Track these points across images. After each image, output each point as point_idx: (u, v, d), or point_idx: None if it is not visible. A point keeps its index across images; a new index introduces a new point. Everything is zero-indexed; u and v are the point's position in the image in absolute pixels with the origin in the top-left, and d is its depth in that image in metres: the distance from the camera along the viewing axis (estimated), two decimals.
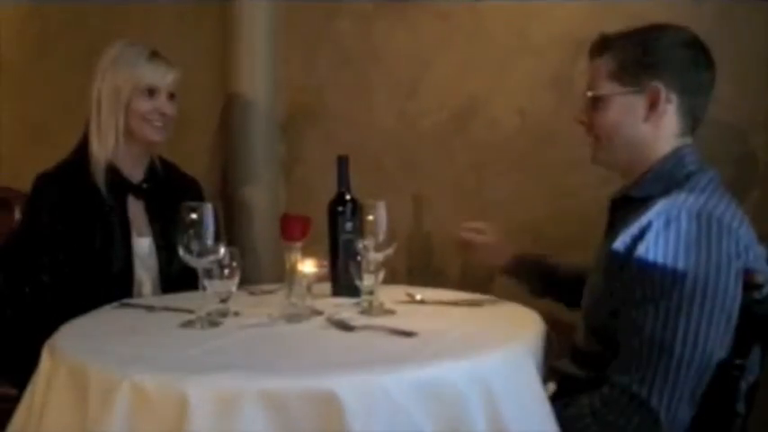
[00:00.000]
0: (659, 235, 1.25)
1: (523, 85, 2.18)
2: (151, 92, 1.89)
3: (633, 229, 1.31)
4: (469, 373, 1.09)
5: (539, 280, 1.74)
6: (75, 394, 1.13)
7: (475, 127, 2.23)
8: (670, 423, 1.20)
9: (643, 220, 1.30)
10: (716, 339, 1.22)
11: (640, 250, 1.27)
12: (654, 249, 1.25)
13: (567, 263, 1.76)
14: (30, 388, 1.30)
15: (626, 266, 1.29)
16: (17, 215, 2.26)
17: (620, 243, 1.32)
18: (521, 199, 2.14)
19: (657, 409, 1.19)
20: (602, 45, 1.43)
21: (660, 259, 1.23)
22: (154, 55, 1.93)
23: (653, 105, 1.37)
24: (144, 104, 1.88)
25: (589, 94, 1.42)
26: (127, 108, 1.88)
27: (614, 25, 2.02)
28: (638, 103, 1.38)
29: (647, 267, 1.25)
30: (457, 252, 1.89)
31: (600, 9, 2.07)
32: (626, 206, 1.42)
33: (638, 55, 1.38)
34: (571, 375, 1.42)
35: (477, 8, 2.24)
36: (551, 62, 2.12)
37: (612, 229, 1.43)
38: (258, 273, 2.17)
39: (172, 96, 1.94)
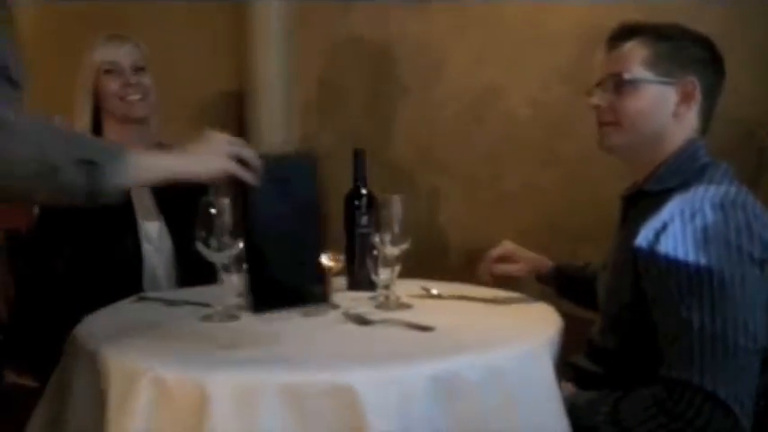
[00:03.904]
0: (686, 227, 1.25)
1: (538, 77, 2.17)
2: (113, 69, 1.92)
3: (654, 223, 1.30)
4: (486, 368, 1.10)
5: (577, 290, 1.70)
6: (96, 387, 1.14)
7: (490, 119, 2.23)
8: (740, 411, 1.17)
9: (664, 215, 1.29)
10: (761, 325, 1.21)
11: (667, 245, 1.26)
12: (683, 242, 1.24)
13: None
14: (51, 381, 1.32)
15: (652, 262, 1.28)
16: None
17: (642, 239, 1.31)
18: (536, 191, 2.14)
19: (725, 398, 1.16)
20: (630, 30, 1.42)
21: (691, 251, 1.23)
22: (111, 36, 1.96)
23: (685, 99, 1.37)
24: (110, 83, 1.92)
25: (626, 76, 1.38)
26: (97, 92, 1.91)
27: (629, 16, 2.02)
28: (670, 95, 1.37)
29: (678, 261, 1.23)
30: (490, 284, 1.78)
31: (615, 1, 2.06)
32: (640, 201, 1.41)
33: (672, 48, 1.38)
34: (586, 371, 1.42)
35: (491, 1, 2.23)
36: (566, 53, 2.11)
37: (626, 225, 1.43)
38: None
39: (139, 69, 1.94)
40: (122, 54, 1.93)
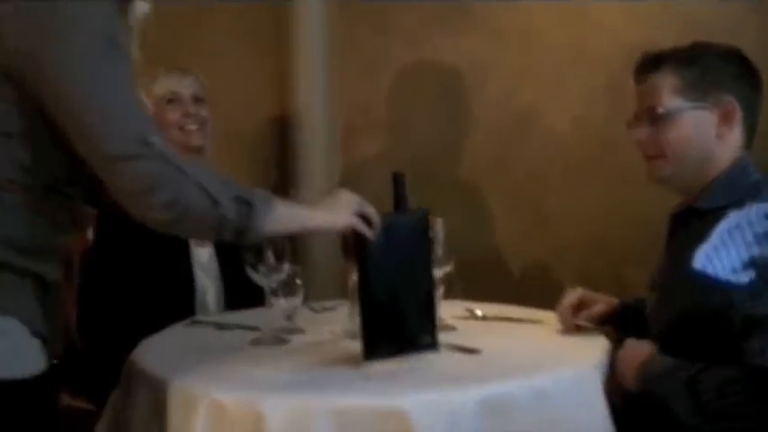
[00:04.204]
0: (746, 244, 1.25)
1: (579, 96, 2.18)
2: (174, 99, 1.98)
3: (713, 241, 1.29)
4: (535, 391, 1.11)
5: (642, 326, 1.67)
6: (154, 411, 1.18)
7: (531, 138, 2.24)
8: None
9: (722, 233, 1.29)
10: None
11: (726, 263, 1.26)
12: (739, 259, 1.24)
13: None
14: (109, 403, 1.36)
15: (714, 280, 1.26)
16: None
17: (699, 258, 1.30)
18: (580, 210, 2.14)
19: None
20: (655, 61, 1.42)
21: (751, 268, 1.22)
22: (172, 68, 2.03)
23: (726, 119, 1.36)
24: (171, 112, 1.97)
25: (660, 110, 1.39)
26: (159, 122, 1.96)
27: (668, 32, 2.02)
28: (709, 118, 1.36)
29: (738, 277, 1.23)
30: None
31: (654, 16, 2.07)
32: (690, 219, 1.40)
33: (701, 71, 1.37)
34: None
35: (528, 20, 2.25)
36: (606, 71, 2.11)
37: (676, 243, 1.42)
38: (315, 288, 2.22)
39: (199, 101, 2.01)
40: (184, 85, 1.99)
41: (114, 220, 1.74)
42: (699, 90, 1.36)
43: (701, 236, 1.31)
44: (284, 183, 2.52)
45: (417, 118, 2.41)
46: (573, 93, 2.18)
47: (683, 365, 1.24)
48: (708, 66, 1.37)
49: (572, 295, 1.55)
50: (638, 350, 1.32)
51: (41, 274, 1.12)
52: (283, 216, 1.16)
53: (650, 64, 1.42)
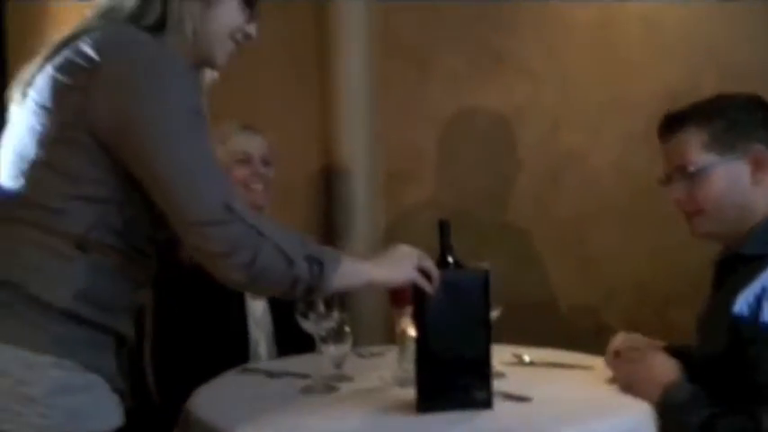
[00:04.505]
0: None
1: (618, 138, 2.19)
2: (245, 159, 2.03)
3: (755, 288, 1.29)
4: None
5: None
6: None
7: (572, 181, 2.26)
8: None
9: (764, 279, 1.28)
10: None
11: None
12: None
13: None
14: None
15: (755, 326, 1.27)
16: None
17: (742, 305, 1.30)
18: (623, 254, 2.14)
19: None
20: (679, 119, 1.43)
21: None
22: (244, 127, 2.08)
23: (759, 166, 1.36)
24: (241, 171, 2.02)
25: (691, 168, 1.40)
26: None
27: (707, 77, 2.03)
28: (742, 168, 1.37)
29: None
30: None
31: (693, 61, 2.08)
32: (735, 265, 1.40)
33: (726, 124, 1.38)
34: None
35: (566, 67, 2.28)
36: (645, 114, 2.12)
37: (722, 289, 1.41)
38: (361, 332, 2.23)
39: (266, 162, 2.06)
40: (255, 146, 2.05)
41: (174, 274, 1.81)
42: (727, 143, 1.37)
43: (744, 281, 1.31)
44: (329, 232, 2.57)
45: (459, 163, 2.45)
46: (613, 137, 2.20)
47: (702, 402, 1.26)
48: (732, 117, 1.38)
49: (617, 340, 1.55)
50: (667, 369, 1.34)
51: (119, 331, 1.17)
52: (350, 272, 1.19)
53: (674, 123, 1.43)
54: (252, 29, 1.26)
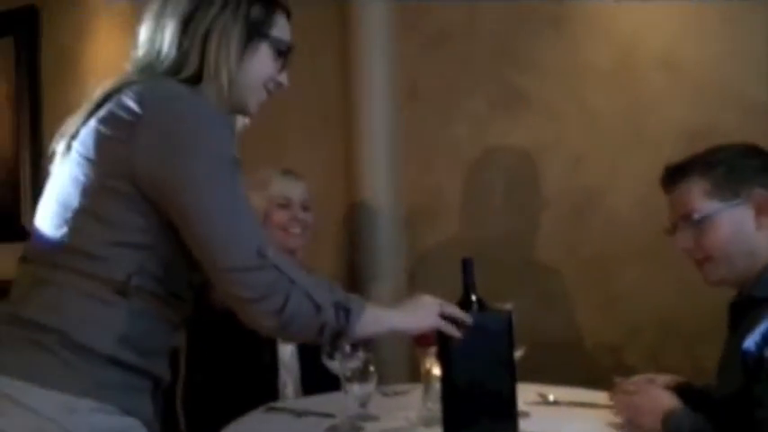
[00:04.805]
0: None
1: (640, 176, 2.20)
2: (286, 204, 2.07)
3: (761, 327, 1.30)
4: None
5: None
6: None
7: (595, 219, 2.27)
8: None
9: None
10: None
11: None
12: None
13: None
14: None
15: (762, 365, 1.27)
16: None
17: (750, 342, 1.31)
18: (648, 291, 2.13)
19: None
20: (680, 170, 1.46)
21: None
22: (286, 171, 2.13)
23: (761, 211, 1.39)
24: (281, 215, 2.07)
25: (696, 216, 1.42)
26: (266, 222, 2.06)
27: (727, 117, 2.05)
28: (745, 213, 1.40)
29: None
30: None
31: (712, 103, 2.10)
32: (747, 307, 1.41)
33: (726, 171, 1.41)
34: None
35: (588, 107, 2.31)
36: (666, 153, 2.13)
37: (737, 331, 1.42)
38: (386, 373, 2.24)
39: (306, 208, 2.11)
40: (295, 191, 2.11)
41: (207, 317, 1.84)
42: (728, 189, 1.40)
43: (755, 322, 1.32)
44: (353, 271, 2.59)
45: (482, 202, 2.47)
46: (634, 175, 2.21)
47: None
48: (731, 164, 1.42)
49: (628, 383, 1.55)
50: (665, 398, 1.38)
51: (156, 373, 1.20)
52: (375, 320, 1.23)
53: (677, 173, 1.48)
54: (284, 78, 1.31)
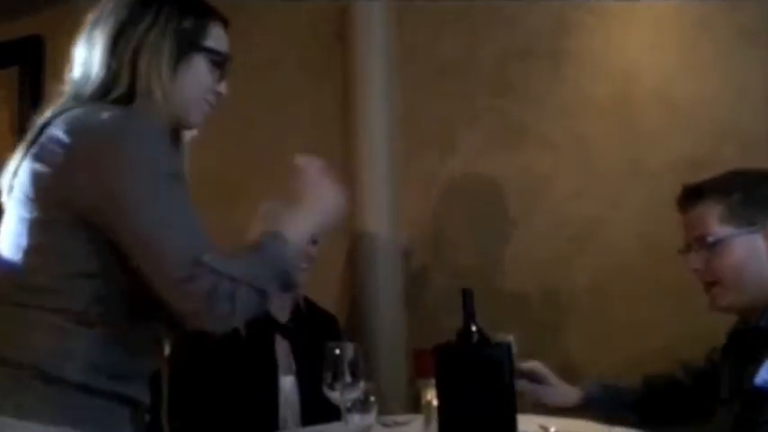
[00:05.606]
0: None
1: (638, 208, 2.22)
2: None
3: None
4: None
5: (617, 407, 1.66)
6: None
7: (592, 250, 2.28)
8: None
9: None
10: None
11: None
12: None
13: (634, 383, 1.72)
14: None
15: None
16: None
17: (761, 377, 1.31)
18: (647, 321, 2.14)
19: None
20: (698, 192, 1.48)
21: None
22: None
23: None
24: None
25: (710, 239, 1.43)
26: None
27: (727, 148, 2.07)
28: (759, 241, 1.41)
29: None
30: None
31: (711, 134, 2.13)
32: (752, 337, 1.41)
33: (743, 197, 1.42)
34: None
35: (585, 139, 2.34)
36: (664, 184, 2.15)
37: (739, 360, 1.42)
38: (387, 404, 2.23)
39: (314, 241, 2.10)
40: None
41: (195, 341, 1.83)
42: (744, 216, 1.41)
43: (762, 353, 1.32)
44: (352, 302, 2.59)
45: (481, 233, 2.48)
46: (632, 206, 2.23)
47: None
48: (748, 191, 1.43)
49: (531, 364, 1.68)
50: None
51: (133, 397, 1.19)
52: (298, 249, 1.23)
53: (693, 195, 1.49)
54: (222, 87, 1.28)
